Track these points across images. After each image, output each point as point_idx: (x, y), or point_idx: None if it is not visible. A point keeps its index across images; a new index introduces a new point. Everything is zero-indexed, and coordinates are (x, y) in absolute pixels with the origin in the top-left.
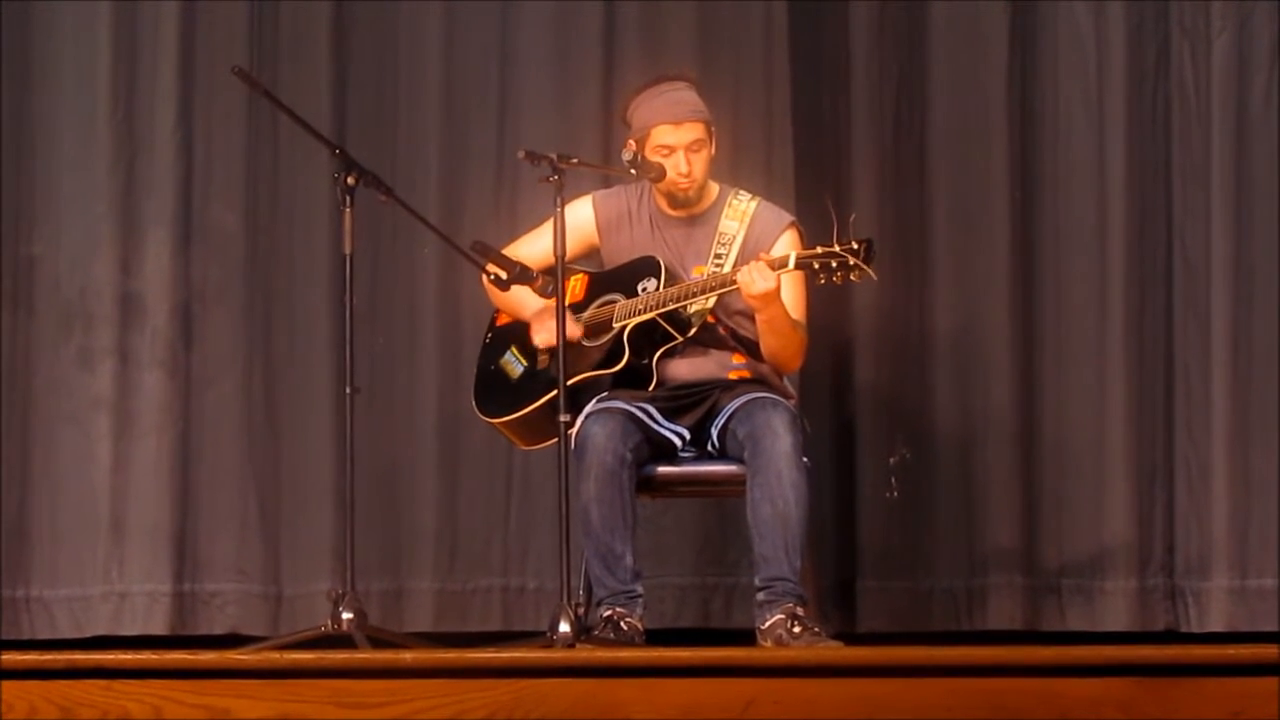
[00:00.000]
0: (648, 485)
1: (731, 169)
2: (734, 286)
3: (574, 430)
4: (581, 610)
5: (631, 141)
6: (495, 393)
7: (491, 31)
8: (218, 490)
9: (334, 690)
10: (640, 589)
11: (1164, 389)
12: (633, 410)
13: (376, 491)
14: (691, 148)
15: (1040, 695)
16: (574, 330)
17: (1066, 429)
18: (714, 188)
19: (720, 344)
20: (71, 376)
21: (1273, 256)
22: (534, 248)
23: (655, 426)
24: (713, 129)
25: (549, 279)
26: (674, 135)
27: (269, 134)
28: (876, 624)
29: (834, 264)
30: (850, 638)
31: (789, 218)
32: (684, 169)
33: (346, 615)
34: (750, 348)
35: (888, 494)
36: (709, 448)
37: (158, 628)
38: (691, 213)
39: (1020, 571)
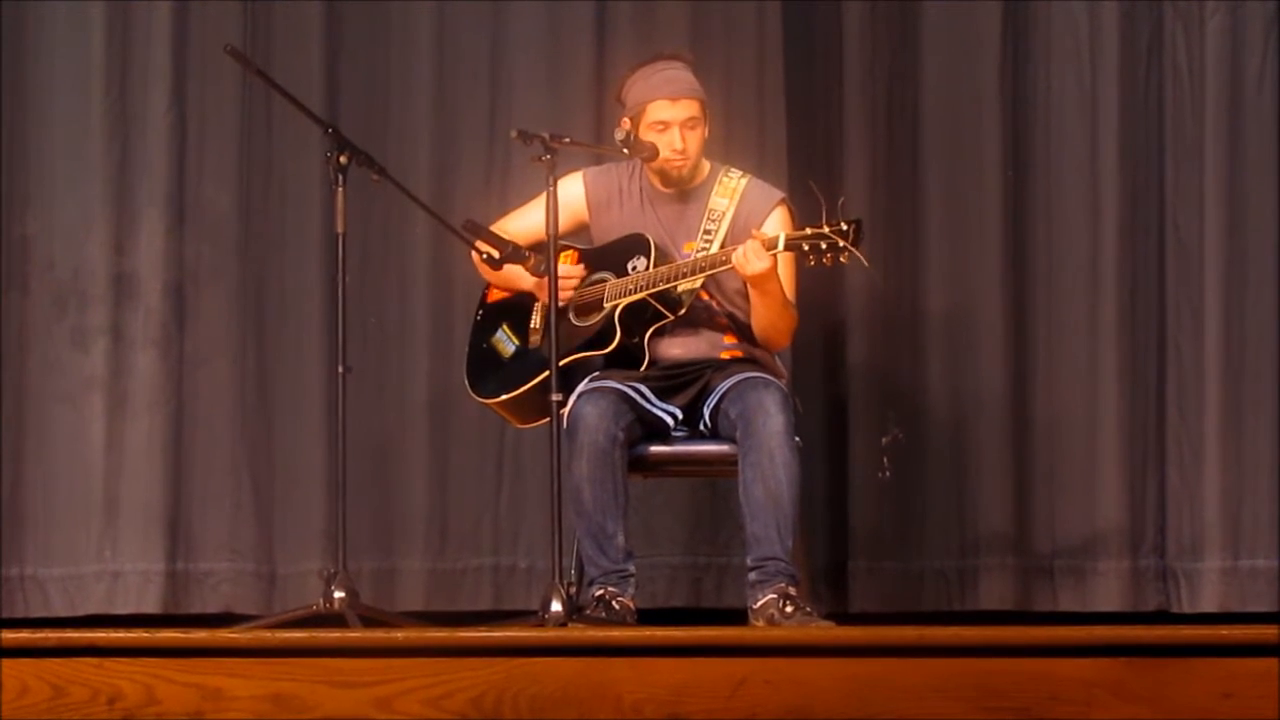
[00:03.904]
0: (640, 465)
1: (724, 150)
2: (726, 266)
3: (566, 410)
4: (573, 590)
5: (626, 120)
6: (488, 372)
7: (484, 11)
8: (210, 469)
9: (326, 669)
10: (632, 568)
11: (1156, 370)
12: (625, 390)
13: (368, 471)
14: (687, 124)
15: (1031, 675)
16: (571, 274)
17: (1059, 410)
18: (705, 165)
19: (713, 323)
20: (65, 356)
21: (1265, 237)
22: (524, 222)
23: (647, 406)
24: (708, 110)
25: (541, 258)
26: (670, 111)
27: (262, 114)
28: (868, 604)
29: (823, 245)
30: (842, 618)
31: (779, 195)
32: (679, 145)
33: (338, 594)
34: (743, 327)
35: (880, 474)
36: (701, 427)
37: (151, 607)
38: (683, 189)
39: (1012, 552)
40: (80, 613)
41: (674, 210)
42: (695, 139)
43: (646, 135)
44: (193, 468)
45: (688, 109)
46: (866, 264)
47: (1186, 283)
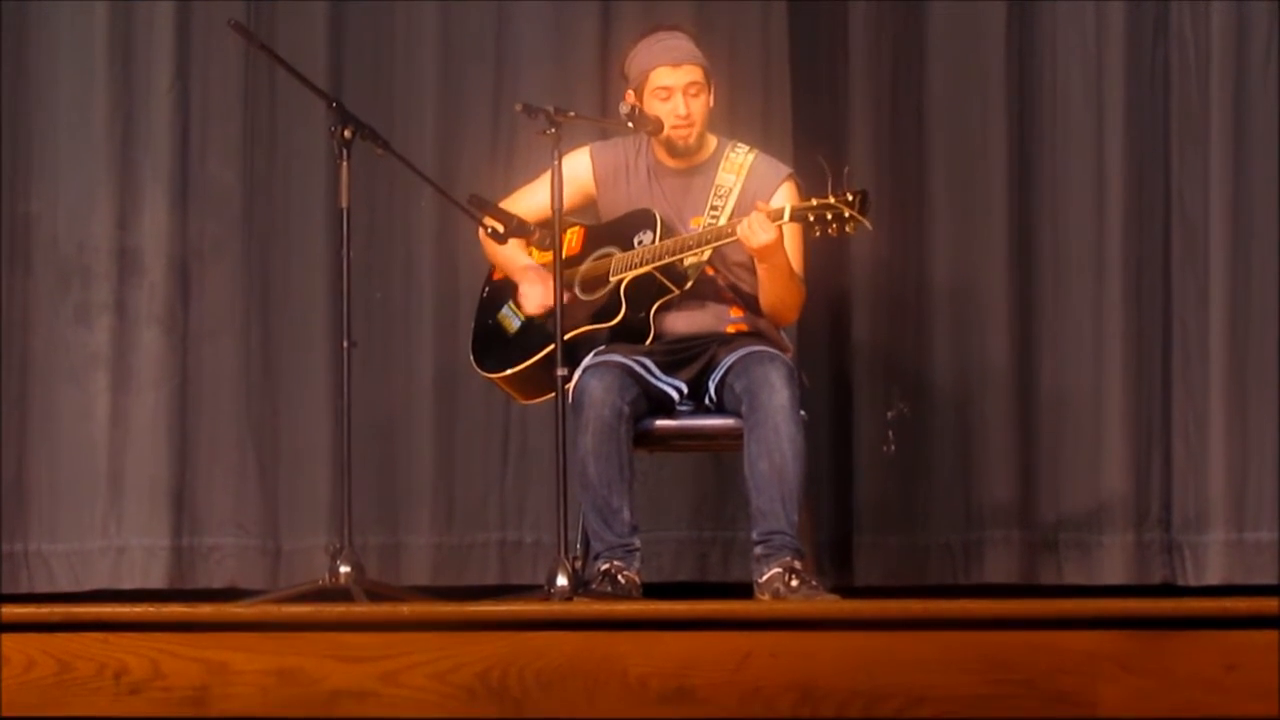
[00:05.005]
0: (645, 439)
1: (729, 124)
2: (732, 239)
3: (571, 384)
4: (579, 564)
5: (630, 93)
6: (493, 347)
7: None
8: (216, 445)
9: (332, 643)
10: (637, 543)
11: (1161, 344)
12: (630, 364)
13: (374, 445)
14: (689, 90)
15: (1037, 648)
16: (545, 299)
17: (1064, 383)
18: (712, 140)
19: (718, 297)
20: (69, 333)
21: (1270, 214)
22: (531, 201)
23: (653, 380)
24: (711, 78)
25: (546, 232)
26: (672, 76)
27: (265, 89)
28: (873, 578)
29: (829, 216)
30: (847, 591)
31: (786, 170)
32: (682, 111)
33: (344, 569)
34: (748, 301)
35: (885, 448)
36: (706, 401)
37: (156, 582)
38: (690, 164)
39: (1017, 526)
40: (85, 588)
41: (681, 185)
42: (699, 105)
43: (650, 104)
44: (198, 443)
45: (690, 74)
46: (870, 227)
47: (1192, 258)
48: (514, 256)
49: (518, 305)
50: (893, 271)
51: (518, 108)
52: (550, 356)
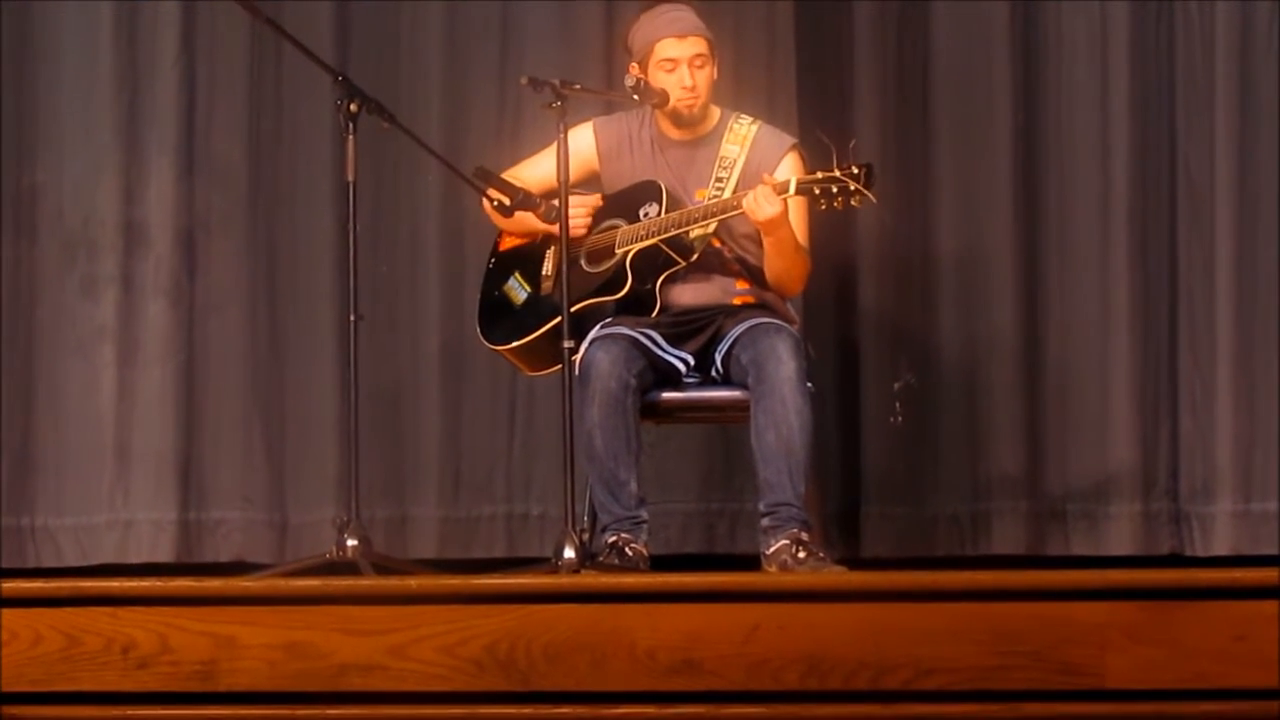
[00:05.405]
0: (652, 411)
1: (734, 96)
2: (738, 211)
3: (578, 356)
4: (586, 536)
5: (634, 65)
6: (499, 319)
7: None
8: (222, 418)
9: (339, 617)
10: (645, 515)
11: (1168, 313)
12: (636, 336)
13: (380, 418)
14: (694, 62)
15: (1045, 619)
16: (585, 204)
17: (1070, 353)
18: (715, 111)
19: (724, 269)
20: (75, 305)
21: (1276, 180)
22: (535, 172)
23: (659, 352)
24: (715, 50)
25: (552, 205)
26: (678, 48)
27: (271, 62)
28: (880, 549)
29: (834, 189)
30: (854, 563)
31: (790, 140)
32: (688, 82)
33: (351, 542)
34: (754, 273)
35: (891, 419)
36: (713, 373)
37: (164, 556)
38: (694, 135)
39: (1024, 496)
40: (92, 562)
41: (685, 157)
42: (704, 77)
43: (655, 76)
44: (204, 417)
45: (695, 46)
46: (875, 200)
47: (1198, 227)
48: (533, 218)
49: (525, 276)
50: (899, 242)
51: (523, 81)
52: (557, 329)
